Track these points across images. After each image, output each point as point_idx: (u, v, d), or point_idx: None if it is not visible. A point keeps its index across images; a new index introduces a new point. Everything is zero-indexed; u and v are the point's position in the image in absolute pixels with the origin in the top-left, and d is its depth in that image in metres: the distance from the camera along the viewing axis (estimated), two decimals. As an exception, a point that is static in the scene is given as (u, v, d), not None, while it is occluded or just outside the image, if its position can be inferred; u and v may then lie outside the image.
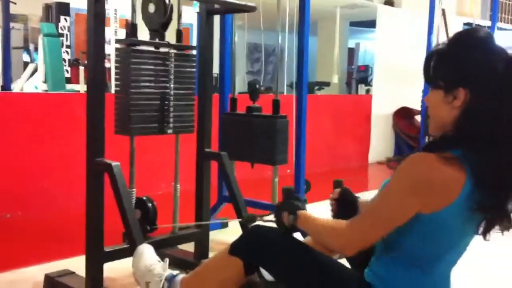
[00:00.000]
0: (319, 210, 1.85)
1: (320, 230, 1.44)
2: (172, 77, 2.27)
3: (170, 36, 2.32)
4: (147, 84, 2.20)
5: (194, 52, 2.40)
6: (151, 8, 2.27)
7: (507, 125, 1.24)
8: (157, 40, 2.27)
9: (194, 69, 2.38)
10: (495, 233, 1.35)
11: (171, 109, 2.28)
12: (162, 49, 2.27)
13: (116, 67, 2.21)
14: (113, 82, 2.14)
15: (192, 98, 2.38)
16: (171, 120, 2.28)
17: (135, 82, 2.15)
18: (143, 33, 2.27)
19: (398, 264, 1.36)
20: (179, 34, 2.36)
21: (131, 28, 2.19)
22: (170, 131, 2.29)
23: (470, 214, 1.27)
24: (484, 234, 1.34)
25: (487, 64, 1.27)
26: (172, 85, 2.27)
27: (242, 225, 2.17)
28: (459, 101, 1.28)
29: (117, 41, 2.34)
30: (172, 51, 2.28)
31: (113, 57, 5.59)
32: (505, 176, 1.26)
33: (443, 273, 1.39)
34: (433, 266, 1.35)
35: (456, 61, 1.30)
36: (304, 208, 1.53)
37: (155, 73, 2.22)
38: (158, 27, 2.27)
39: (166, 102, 2.27)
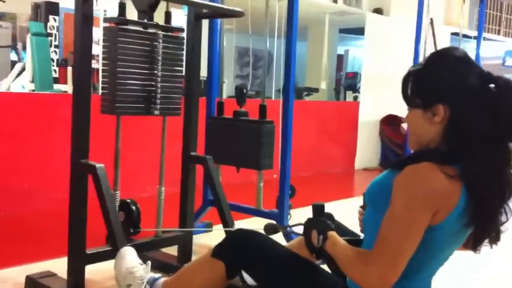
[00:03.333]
0: (304, 214, 1.86)
1: (347, 262, 1.34)
2: (160, 58, 2.22)
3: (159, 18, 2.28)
4: (134, 64, 2.15)
5: (183, 34, 2.36)
6: None
7: (483, 138, 1.27)
8: (145, 21, 2.22)
9: (183, 51, 2.34)
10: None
11: (158, 90, 2.23)
12: (150, 30, 2.23)
13: (103, 46, 2.16)
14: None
15: (179, 80, 2.34)
16: (158, 101, 2.23)
17: (122, 61, 2.11)
18: (132, 15, 2.23)
19: None
20: (168, 15, 2.33)
21: (119, 8, 2.15)
22: (156, 112, 2.24)
23: (462, 227, 1.29)
24: (475, 247, 1.37)
25: (463, 79, 1.31)
26: (159, 66, 2.22)
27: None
28: (439, 117, 1.32)
29: (105, 19, 2.30)
30: (161, 32, 2.24)
31: (101, 56, 5.56)
32: (487, 187, 1.28)
33: (425, 280, 1.41)
34: (417, 274, 1.36)
35: (433, 79, 1.34)
36: (334, 229, 1.42)
37: (143, 53, 2.18)
38: (146, 7, 2.22)
39: (153, 83, 2.22)
